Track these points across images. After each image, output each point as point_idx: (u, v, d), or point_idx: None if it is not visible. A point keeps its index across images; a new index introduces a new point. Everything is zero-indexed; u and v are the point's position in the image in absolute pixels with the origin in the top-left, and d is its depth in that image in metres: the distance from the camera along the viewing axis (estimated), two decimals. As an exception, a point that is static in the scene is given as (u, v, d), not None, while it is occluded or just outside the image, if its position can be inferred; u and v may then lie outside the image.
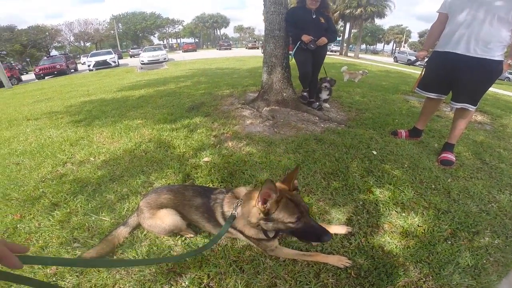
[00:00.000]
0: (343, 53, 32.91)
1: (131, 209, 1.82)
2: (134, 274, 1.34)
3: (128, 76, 11.05)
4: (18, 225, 1.74)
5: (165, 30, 74.37)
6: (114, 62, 18.97)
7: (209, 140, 2.90)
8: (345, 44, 33.97)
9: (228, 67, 11.59)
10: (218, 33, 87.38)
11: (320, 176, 2.14)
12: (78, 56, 42.05)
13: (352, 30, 34.17)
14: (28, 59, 40.89)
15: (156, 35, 74.57)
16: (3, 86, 13.06)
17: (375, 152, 2.52)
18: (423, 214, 1.72)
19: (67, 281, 1.32)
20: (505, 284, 1.27)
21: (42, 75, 16.79)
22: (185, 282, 1.29)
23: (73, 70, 19.78)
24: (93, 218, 1.75)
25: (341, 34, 33.81)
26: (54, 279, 1.33)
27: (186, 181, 2.15)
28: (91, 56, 19.68)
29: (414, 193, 1.94)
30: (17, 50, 37.47)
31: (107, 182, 2.18)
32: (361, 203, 1.83)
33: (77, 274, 1.34)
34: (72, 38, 53.92)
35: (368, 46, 71.50)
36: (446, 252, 1.44)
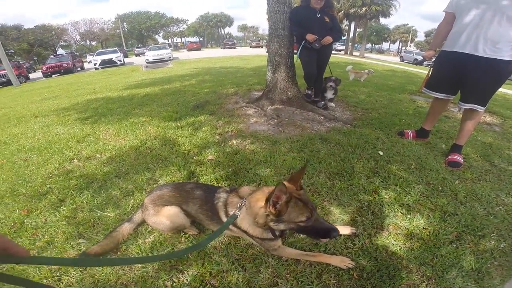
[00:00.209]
0: (348, 52, 32.70)
1: (136, 205, 1.83)
2: (137, 270, 1.35)
3: (134, 74, 11.13)
4: (25, 220, 1.76)
5: (169, 29, 74.63)
6: (120, 60, 19.12)
7: (213, 138, 2.91)
8: (350, 43, 33.73)
9: (233, 66, 11.61)
10: (222, 32, 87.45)
11: (325, 176, 2.13)
12: (85, 54, 42.48)
13: (357, 29, 33.88)
14: (35, 58, 41.36)
15: (160, 34, 74.91)
16: (12, 84, 13.26)
17: (381, 153, 2.50)
18: (429, 216, 1.69)
19: (71, 276, 1.33)
20: None
21: (49, 73, 16.96)
22: (187, 279, 1.29)
23: (79, 69, 19.98)
24: (98, 214, 1.77)
25: (346, 33, 33.57)
26: (58, 274, 1.34)
27: (191, 178, 2.15)
28: (97, 55, 19.85)
29: (420, 194, 1.91)
30: (25, 49, 37.91)
31: (113, 179, 2.20)
32: (366, 204, 1.81)
33: (81, 269, 1.36)
34: (78, 37, 54.47)
35: (373, 45, 70.85)
36: (450, 255, 1.42)
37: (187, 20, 77.84)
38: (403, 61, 25.44)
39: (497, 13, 2.00)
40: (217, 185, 2.03)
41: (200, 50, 41.02)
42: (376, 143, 2.69)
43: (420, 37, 69.16)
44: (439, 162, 2.37)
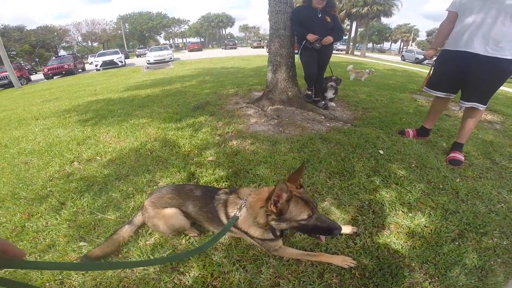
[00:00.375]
0: (349, 52, 32.65)
1: (136, 207, 1.83)
2: (138, 273, 1.35)
3: (135, 75, 11.16)
4: (26, 224, 1.76)
5: (171, 30, 74.77)
6: (121, 62, 19.16)
7: (213, 139, 2.90)
8: (351, 43, 33.67)
9: (233, 67, 11.61)
10: (223, 32, 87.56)
11: (325, 175, 2.12)
12: (86, 56, 42.60)
13: (359, 29, 33.83)
14: (37, 59, 41.54)
15: (162, 35, 75.07)
16: (13, 86, 13.31)
17: (381, 152, 2.49)
18: (430, 214, 1.69)
19: (73, 279, 1.33)
20: (511, 285, 1.25)
21: (50, 75, 16.99)
22: (188, 281, 1.29)
23: (80, 70, 20.01)
24: (99, 216, 1.77)
25: (348, 33, 33.52)
26: (60, 277, 1.34)
27: (191, 180, 2.15)
28: (98, 56, 19.91)
29: (422, 193, 1.90)
30: (27, 50, 38.05)
31: (113, 181, 2.20)
32: (367, 203, 1.81)
33: (83, 273, 1.36)
34: (79, 38, 54.69)
35: (375, 45, 70.77)
36: (452, 253, 1.41)
37: (189, 20, 78.06)
38: (404, 60, 25.40)
39: (501, 13, 2.00)
40: (217, 186, 2.03)
41: (201, 50, 41.08)
42: (377, 142, 2.68)
43: (422, 36, 68.98)
44: (440, 161, 2.36)
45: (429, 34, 61.36)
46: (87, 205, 1.91)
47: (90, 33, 53.67)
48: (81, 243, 1.55)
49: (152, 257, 1.42)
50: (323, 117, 3.48)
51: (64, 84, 11.04)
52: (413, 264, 1.36)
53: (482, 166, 2.31)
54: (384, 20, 33.77)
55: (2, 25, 36.16)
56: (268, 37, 3.91)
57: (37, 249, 1.54)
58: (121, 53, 20.51)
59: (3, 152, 3.16)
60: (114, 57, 18.99)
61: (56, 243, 1.58)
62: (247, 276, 1.31)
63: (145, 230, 1.60)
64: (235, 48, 42.36)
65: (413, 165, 2.27)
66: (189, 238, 1.55)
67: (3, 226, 1.77)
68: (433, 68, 2.62)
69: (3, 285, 0.56)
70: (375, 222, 1.63)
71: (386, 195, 1.89)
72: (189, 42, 58.33)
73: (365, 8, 27.75)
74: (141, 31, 64.40)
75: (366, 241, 1.49)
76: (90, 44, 57.68)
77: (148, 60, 18.34)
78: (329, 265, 1.34)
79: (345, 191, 1.93)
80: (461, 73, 2.28)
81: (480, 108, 2.27)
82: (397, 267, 1.33)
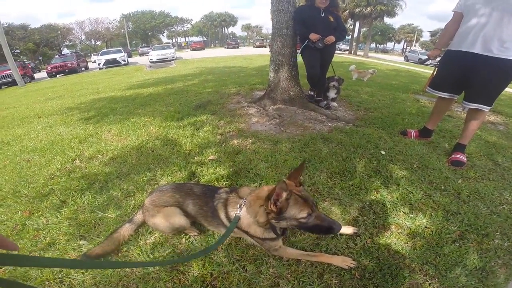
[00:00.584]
0: (352, 52, 32.54)
1: (137, 206, 1.83)
2: (138, 272, 1.35)
3: (137, 74, 11.18)
4: (27, 222, 1.77)
5: (174, 29, 74.96)
6: (124, 60, 19.21)
7: (215, 138, 2.90)
8: (354, 43, 33.55)
9: (236, 66, 11.61)
10: (226, 31, 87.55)
11: (326, 175, 2.11)
12: (89, 54, 42.78)
13: (362, 29, 33.69)
14: (40, 58, 41.76)
15: (165, 34, 75.26)
16: (17, 84, 13.39)
17: (383, 152, 2.48)
18: (432, 215, 1.68)
19: (73, 278, 1.34)
20: (511, 286, 1.24)
21: (53, 73, 17.06)
22: (188, 280, 1.29)
23: (83, 69, 20.07)
24: (99, 215, 1.77)
25: (351, 33, 33.43)
26: (60, 276, 1.35)
27: (192, 179, 2.15)
28: (101, 55, 19.97)
29: (423, 194, 1.89)
30: (30, 48, 38.24)
31: (114, 179, 2.21)
32: (368, 203, 1.80)
33: (83, 271, 1.36)
34: (83, 37, 54.97)
35: (378, 45, 70.45)
36: (453, 254, 1.40)
37: (191, 19, 78.54)
38: (407, 60, 25.30)
39: (505, 13, 1.98)
40: (218, 185, 2.03)
41: (204, 49, 41.13)
42: (379, 143, 2.67)
43: (426, 37, 68.51)
44: (442, 162, 2.35)
45: (433, 34, 60.89)
46: (88, 203, 1.92)
47: (94, 32, 53.94)
48: (81, 242, 1.55)
49: (152, 256, 1.42)
50: (325, 117, 3.47)
51: (67, 83, 11.09)
52: (414, 265, 1.35)
53: (484, 167, 2.29)
54: (387, 20, 33.61)
55: (6, 24, 36.25)
56: (270, 36, 3.90)
57: (37, 247, 1.54)
58: (124, 52, 20.56)
59: (6, 149, 3.18)
60: (117, 56, 19.05)
61: (57, 241, 1.58)
62: (246, 276, 1.30)
63: (145, 229, 1.60)
64: (238, 48, 42.36)
65: (415, 166, 2.26)
66: (189, 237, 1.55)
67: (4, 224, 1.78)
68: (437, 68, 2.60)
69: (2, 285, 0.56)
70: (375, 223, 1.62)
71: (387, 195, 1.88)
72: (192, 41, 58.34)
73: (369, 8, 27.62)
74: (144, 30, 64.59)
75: (366, 241, 1.48)
76: (93, 42, 57.94)
77: (151, 59, 18.40)
78: (329, 266, 1.33)
79: (346, 191, 1.92)
80: (465, 74, 2.26)
81: (484, 110, 2.25)
82: (397, 268, 1.33)
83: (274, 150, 2.54)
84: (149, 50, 24.86)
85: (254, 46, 44.90)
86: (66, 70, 17.40)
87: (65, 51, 45.77)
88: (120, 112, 4.31)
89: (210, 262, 1.38)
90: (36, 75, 19.96)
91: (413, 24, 64.74)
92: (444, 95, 2.50)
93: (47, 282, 1.32)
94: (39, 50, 40.23)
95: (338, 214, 1.71)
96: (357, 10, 28.22)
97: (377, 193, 1.91)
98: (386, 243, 1.48)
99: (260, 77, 6.94)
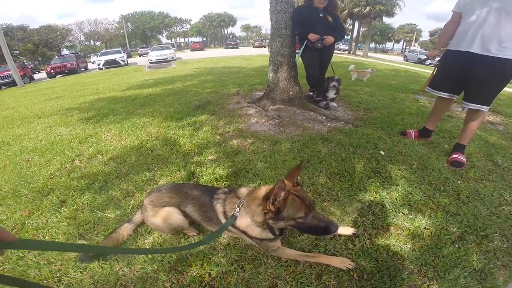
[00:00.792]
0: (351, 52, 32.56)
1: (136, 206, 1.83)
2: (136, 271, 1.35)
3: (137, 75, 11.18)
4: (26, 221, 1.77)
5: (173, 29, 74.94)
6: (123, 61, 19.19)
7: (214, 138, 2.90)
8: (353, 43, 33.58)
9: (235, 66, 11.61)
10: (225, 32, 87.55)
11: (325, 176, 2.11)
12: (89, 55, 42.78)
13: (361, 29, 33.73)
14: (40, 58, 41.75)
15: (164, 34, 75.22)
16: (16, 85, 13.38)
17: (382, 153, 2.48)
18: (431, 216, 1.68)
19: (71, 276, 1.33)
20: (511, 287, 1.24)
21: (53, 74, 17.04)
22: (186, 280, 1.29)
23: (83, 69, 20.06)
24: (98, 215, 1.77)
25: (350, 33, 33.44)
26: (58, 274, 1.35)
27: (191, 179, 2.15)
28: (100, 55, 19.96)
29: (422, 194, 1.89)
30: (30, 49, 38.23)
31: (114, 179, 2.21)
32: (367, 204, 1.80)
33: (81, 270, 1.36)
34: (82, 38, 54.98)
35: (377, 45, 70.48)
36: (452, 256, 1.40)
37: (191, 20, 78.26)
38: (407, 60, 25.31)
39: (503, 12, 1.98)
40: (217, 185, 2.03)
41: (203, 50, 41.09)
42: (378, 143, 2.67)
43: (425, 36, 68.59)
44: (441, 162, 2.35)
45: (432, 34, 60.99)
46: (87, 203, 1.92)
47: (93, 33, 53.92)
48: (80, 241, 1.55)
49: (150, 256, 1.42)
50: (324, 117, 3.47)
51: (66, 83, 11.09)
52: (412, 267, 1.35)
53: (484, 168, 2.30)
54: (386, 20, 33.62)
55: (5, 24, 36.29)
56: (269, 36, 3.90)
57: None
58: (124, 53, 20.53)
59: (5, 150, 3.18)
60: (116, 56, 19.03)
61: (56, 240, 1.58)
62: (245, 276, 1.30)
63: (144, 228, 1.60)
64: (237, 48, 42.35)
65: (414, 167, 2.26)
66: (188, 237, 1.55)
67: (4, 224, 1.78)
68: (436, 68, 2.60)
69: (1, 282, 0.56)
70: (374, 224, 1.62)
71: (386, 196, 1.88)
72: (191, 41, 58.32)
73: (367, 8, 27.64)
74: (143, 31, 64.55)
75: (365, 242, 1.48)
76: (92, 43, 57.95)
77: (150, 60, 18.39)
78: (327, 267, 1.33)
79: (345, 192, 1.92)
80: (464, 74, 2.26)
81: (483, 110, 2.25)
82: (396, 269, 1.33)
83: (273, 150, 2.54)
84: (148, 51, 24.82)
85: (253, 46, 44.82)
86: (66, 71, 17.39)
87: (65, 51, 45.73)
88: (119, 112, 4.31)
89: (208, 262, 1.38)
90: (36, 76, 19.95)
91: (412, 24, 64.76)
92: (444, 95, 2.50)
93: (45, 281, 1.32)
94: (39, 50, 40.23)
95: (337, 215, 1.71)
96: (356, 10, 28.24)
97: (376, 193, 1.91)
98: (385, 244, 1.48)
99: (259, 77, 6.94)
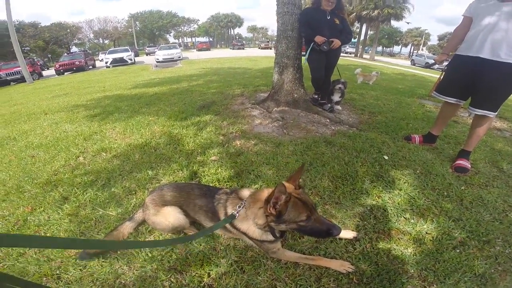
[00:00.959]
0: (358, 55, 32.38)
1: (138, 204, 1.84)
2: (135, 270, 1.35)
3: (143, 73, 11.27)
4: (28, 217, 1.79)
5: (180, 29, 75.42)
6: (131, 59, 19.37)
7: (217, 138, 2.91)
8: (360, 46, 33.40)
9: (240, 67, 11.63)
10: (232, 32, 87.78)
11: (328, 179, 2.10)
12: (97, 53, 43.20)
13: (369, 32, 33.53)
14: (49, 55, 42.30)
15: (171, 34, 75.74)
16: (25, 81, 13.58)
17: (386, 157, 2.46)
18: (433, 221, 1.66)
19: (70, 274, 1.34)
20: None
21: (61, 70, 17.26)
22: (185, 280, 1.29)
23: (91, 67, 20.27)
24: (100, 212, 1.78)
25: (357, 36, 33.27)
26: (57, 272, 1.36)
27: (193, 179, 2.16)
28: (108, 53, 20.17)
29: (425, 199, 1.88)
30: (40, 46, 38.76)
31: (117, 177, 2.22)
32: (368, 208, 1.78)
33: (81, 268, 1.37)
34: (91, 35, 55.71)
35: (384, 48, 70.05)
36: (453, 261, 1.39)
37: (198, 20, 78.74)
38: (414, 64, 25.11)
39: None
40: (218, 186, 2.03)
41: (210, 50, 41.22)
42: (382, 148, 2.65)
43: (433, 40, 67.83)
44: (445, 168, 2.32)
45: (440, 38, 60.34)
46: (90, 200, 1.93)
47: (102, 31, 54.62)
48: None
49: (150, 255, 1.43)
50: (328, 120, 3.46)
51: (74, 80, 11.22)
52: (412, 271, 1.34)
53: (489, 174, 2.27)
54: (394, 23, 33.40)
55: (17, 21, 36.81)
56: (275, 38, 3.91)
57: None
58: (131, 51, 20.72)
59: (11, 145, 3.23)
60: (124, 55, 19.22)
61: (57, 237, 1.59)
62: (244, 277, 1.30)
63: (145, 227, 1.61)
64: (243, 49, 42.43)
65: (418, 172, 2.24)
66: (188, 236, 1.56)
67: (6, 219, 1.80)
68: (444, 72, 2.57)
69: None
70: (376, 228, 1.61)
71: (388, 201, 1.86)
72: (198, 41, 58.58)
73: (376, 11, 27.47)
74: (151, 30, 65.09)
75: (365, 246, 1.47)
76: (101, 41, 58.58)
77: (157, 59, 18.52)
78: (327, 269, 1.33)
79: (347, 196, 1.91)
80: (472, 79, 2.24)
81: (490, 116, 2.22)
82: (396, 274, 1.32)
83: (276, 152, 2.54)
84: (155, 50, 25.02)
85: (259, 48, 44.85)
86: (74, 68, 17.60)
87: (74, 49, 46.28)
88: (125, 110, 4.35)
89: (208, 263, 1.38)
90: (45, 73, 20.21)
91: (420, 27, 64.23)
92: (451, 100, 2.47)
93: (44, 278, 1.33)
94: (49, 47, 40.75)
95: (338, 218, 1.70)
96: (364, 13, 28.08)
97: (378, 198, 1.89)
98: (386, 248, 1.47)
99: (264, 79, 6.95)
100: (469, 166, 2.30)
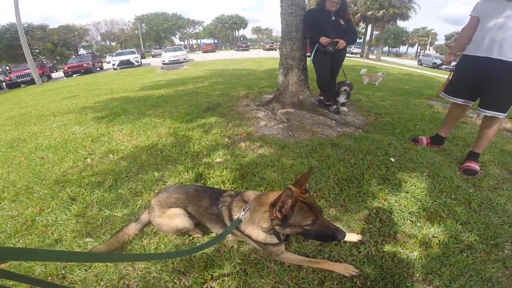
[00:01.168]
0: (364, 55, 32.16)
1: (144, 206, 1.86)
2: (139, 271, 1.37)
3: (150, 75, 11.38)
4: (36, 218, 1.82)
5: (185, 31, 75.93)
6: (137, 61, 19.57)
7: (223, 140, 2.92)
8: (366, 46, 33.16)
9: (245, 68, 11.64)
10: (237, 34, 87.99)
11: (333, 182, 2.09)
12: (104, 55, 43.79)
13: (374, 32, 33.26)
14: (58, 57, 43.01)
15: (177, 36, 76.29)
16: (35, 83, 13.84)
17: (393, 159, 2.43)
18: (440, 224, 1.64)
19: (75, 274, 1.37)
20: None
21: (70, 73, 17.57)
22: (188, 281, 1.30)
23: (98, 69, 20.56)
24: (107, 213, 1.81)
25: (363, 36, 33.04)
26: (63, 272, 1.38)
27: (198, 180, 2.17)
28: (115, 56, 20.41)
29: (432, 202, 1.85)
30: (49, 48, 39.38)
31: (123, 179, 2.25)
32: (374, 211, 1.77)
33: (86, 268, 1.39)
34: (99, 38, 56.45)
35: (390, 48, 69.40)
36: (459, 264, 1.37)
37: (203, 21, 79.01)
38: (421, 65, 24.82)
39: None
40: (223, 188, 2.04)
41: (215, 52, 41.44)
42: (388, 150, 2.62)
43: (440, 40, 66.89)
44: (453, 170, 2.29)
45: (448, 38, 59.49)
46: (97, 201, 1.96)
47: (109, 33, 55.35)
48: (87, 239, 1.59)
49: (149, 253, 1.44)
50: (334, 122, 3.44)
51: (82, 82, 11.39)
52: (417, 275, 1.33)
53: (498, 176, 2.22)
54: (400, 23, 33.02)
55: (26, 24, 37.50)
56: (280, 39, 3.91)
57: (44, 243, 1.59)
58: (138, 53, 20.94)
59: (22, 146, 3.29)
60: (130, 57, 19.42)
61: (64, 238, 1.62)
62: (247, 279, 1.31)
63: (150, 229, 1.63)
64: (248, 50, 42.51)
65: (425, 174, 2.20)
66: (193, 238, 1.57)
67: (15, 220, 1.84)
68: (452, 73, 2.54)
69: (6, 278, 0.57)
70: (381, 231, 1.59)
71: (395, 203, 1.84)
72: (203, 43, 58.96)
73: (381, 11, 27.23)
74: (157, 32, 65.63)
75: (370, 249, 1.46)
76: (108, 43, 59.37)
77: (163, 61, 18.66)
78: (330, 273, 1.32)
79: (352, 199, 1.89)
80: (481, 80, 2.20)
81: (500, 117, 2.18)
82: (400, 277, 1.30)
83: (281, 154, 2.54)
84: (161, 52, 25.22)
85: (264, 49, 44.78)
86: (82, 70, 17.90)
87: (82, 51, 47.03)
88: (132, 112, 4.40)
89: (211, 264, 1.39)
90: (53, 75, 20.59)
91: (427, 27, 63.43)
92: (459, 101, 2.43)
93: (50, 278, 1.36)
94: (57, 50, 41.37)
95: (343, 221, 1.69)
96: (369, 13, 27.86)
97: (384, 200, 1.88)
98: (391, 251, 1.45)
99: (269, 80, 6.95)
100: (478, 168, 2.26)
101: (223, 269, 1.36)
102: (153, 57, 35.59)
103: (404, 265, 1.37)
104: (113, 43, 59.44)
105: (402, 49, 73.21)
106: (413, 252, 1.45)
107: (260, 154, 2.56)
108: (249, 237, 1.33)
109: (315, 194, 1.94)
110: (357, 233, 1.57)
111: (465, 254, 1.44)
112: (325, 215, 1.73)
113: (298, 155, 2.52)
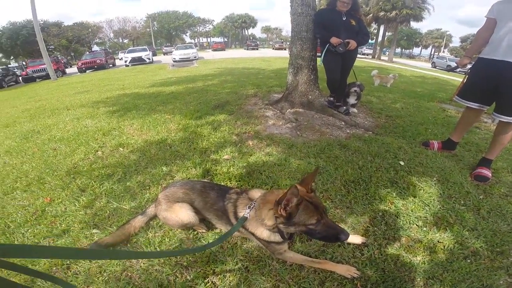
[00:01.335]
0: (375, 56, 31.69)
1: (151, 199, 1.90)
2: (143, 263, 1.40)
3: (161, 72, 11.52)
4: (46, 208, 1.88)
5: (196, 29, 76.40)
6: (149, 59, 19.82)
7: (231, 138, 2.94)
8: (378, 47, 32.66)
9: (254, 67, 11.64)
10: (246, 33, 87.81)
11: (340, 183, 2.07)
12: (117, 52, 44.46)
13: (387, 33, 32.69)
14: (72, 54, 43.93)
15: (188, 34, 76.84)
16: (50, 78, 14.20)
17: (402, 163, 2.39)
18: (446, 230, 1.61)
19: (79, 265, 1.40)
20: None
21: (83, 68, 17.96)
22: (190, 275, 1.32)
23: (111, 65, 20.90)
24: (114, 205, 1.85)
25: (374, 37, 32.54)
26: (67, 262, 1.42)
27: (205, 176, 2.19)
28: (128, 53, 20.73)
29: (440, 207, 1.82)
30: (64, 45, 40.27)
31: (132, 172, 2.29)
32: (380, 214, 1.75)
33: (89, 259, 1.41)
34: (111, 35, 57.41)
35: (403, 50, 68.19)
36: (462, 271, 1.35)
37: (213, 20, 79.42)
38: (435, 67, 24.27)
39: None
40: (230, 185, 2.05)
41: (224, 50, 41.53)
42: (398, 153, 2.58)
43: (455, 42, 65.30)
44: (464, 176, 2.23)
45: (463, 40, 58.10)
46: (105, 193, 2.00)
47: (121, 30, 56.21)
48: (94, 230, 1.63)
49: (158, 249, 1.46)
50: (343, 123, 3.41)
51: (95, 78, 11.62)
52: (418, 279, 1.31)
53: (510, 184, 2.16)
54: (414, 24, 32.36)
55: (42, 21, 38.40)
56: (290, 39, 3.89)
57: (52, 234, 1.63)
58: (149, 51, 21.20)
59: (35, 138, 3.39)
60: (142, 54, 19.70)
61: (71, 228, 1.67)
62: (248, 276, 1.32)
63: (156, 222, 1.65)
64: (257, 49, 42.41)
65: (434, 179, 2.16)
66: (197, 233, 1.59)
67: (25, 209, 1.90)
68: (467, 76, 2.48)
69: (10, 269, 0.58)
70: (386, 234, 1.58)
71: (402, 207, 1.82)
72: (213, 41, 59.17)
73: (393, 12, 26.72)
74: (168, 30, 66.28)
75: (373, 252, 1.45)
76: (121, 40, 60.26)
77: (174, 58, 18.85)
78: (331, 274, 1.32)
79: (359, 201, 1.87)
80: (497, 84, 2.14)
81: None
82: (401, 281, 1.29)
83: (288, 153, 2.53)
84: (172, 50, 25.46)
85: (273, 48, 44.63)
86: (95, 66, 18.27)
87: (95, 48, 47.94)
88: (142, 108, 4.47)
89: (214, 260, 1.40)
90: (68, 70, 21.06)
91: (441, 29, 62.06)
92: (473, 105, 2.36)
93: (54, 268, 1.39)
94: (71, 46, 42.24)
95: (348, 223, 1.68)
96: (381, 14, 27.38)
97: (391, 204, 1.85)
98: (394, 255, 1.44)
99: (278, 80, 6.93)
100: (490, 175, 2.20)
101: (225, 265, 1.37)
102: (164, 54, 35.96)
103: (406, 269, 1.36)
104: (125, 41, 60.28)
105: (416, 50, 71.91)
106: (416, 257, 1.43)
107: (267, 152, 2.56)
108: (253, 234, 1.34)
109: (321, 195, 1.93)
110: (362, 235, 1.56)
111: (469, 261, 1.41)
112: (330, 216, 1.73)
113: (306, 155, 2.52)
